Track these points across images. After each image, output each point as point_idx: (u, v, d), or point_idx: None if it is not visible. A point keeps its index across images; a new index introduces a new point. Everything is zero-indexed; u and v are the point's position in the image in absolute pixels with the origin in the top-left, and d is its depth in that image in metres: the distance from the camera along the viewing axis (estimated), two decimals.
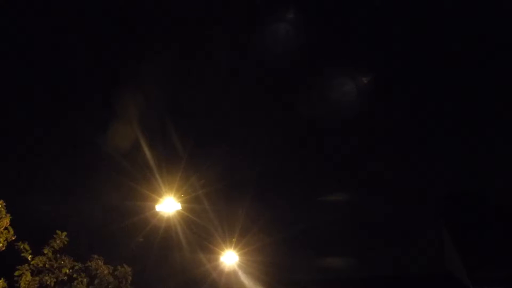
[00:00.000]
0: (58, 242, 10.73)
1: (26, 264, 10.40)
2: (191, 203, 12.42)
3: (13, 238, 10.06)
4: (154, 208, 11.52)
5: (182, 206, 11.90)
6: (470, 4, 15.21)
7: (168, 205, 11.68)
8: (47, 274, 10.51)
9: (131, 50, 15.07)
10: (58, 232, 10.78)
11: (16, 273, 10.26)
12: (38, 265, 10.47)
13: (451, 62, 17.39)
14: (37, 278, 10.43)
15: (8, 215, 9.86)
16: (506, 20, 15.12)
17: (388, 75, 17.21)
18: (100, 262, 11.11)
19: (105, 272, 11.07)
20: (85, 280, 10.86)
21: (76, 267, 10.86)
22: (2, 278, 10.05)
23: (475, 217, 17.79)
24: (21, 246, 10.37)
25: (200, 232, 13.52)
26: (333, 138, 18.65)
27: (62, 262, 10.62)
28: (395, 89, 18.13)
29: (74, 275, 10.84)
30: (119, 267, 11.38)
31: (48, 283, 10.50)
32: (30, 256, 10.45)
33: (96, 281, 11.02)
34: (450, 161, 18.91)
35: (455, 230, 17.81)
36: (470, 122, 18.86)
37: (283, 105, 17.64)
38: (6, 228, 9.80)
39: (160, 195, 11.59)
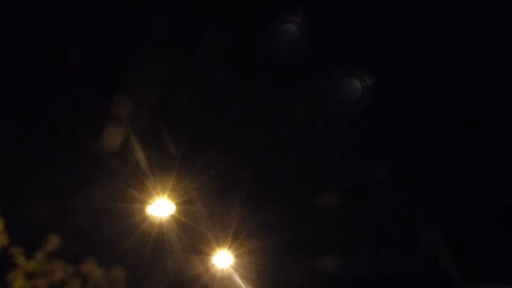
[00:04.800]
0: (50, 246, 10.74)
1: (19, 269, 10.42)
2: (184, 205, 12.41)
3: (5, 243, 10.09)
4: (146, 210, 11.53)
5: (174, 208, 11.89)
6: (478, 4, 15.19)
7: (160, 207, 11.68)
8: (39, 278, 10.52)
9: (124, 49, 14.98)
10: (50, 235, 10.80)
11: (9, 278, 10.28)
12: (30, 269, 10.48)
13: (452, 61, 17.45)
14: (30, 282, 10.44)
15: (0, 219, 9.89)
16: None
17: (385, 78, 17.24)
18: (92, 266, 11.14)
19: (98, 275, 11.10)
20: (77, 283, 10.89)
21: (69, 271, 10.88)
22: None
23: (467, 217, 17.85)
24: (13, 251, 10.39)
25: (192, 235, 13.52)
26: (327, 139, 18.69)
27: (55, 266, 10.64)
28: (391, 91, 18.18)
29: (67, 279, 10.86)
30: (111, 271, 11.41)
31: (40, 287, 10.51)
32: (22, 260, 10.47)
33: (88, 285, 11.04)
34: (442, 160, 18.97)
35: (447, 230, 17.88)
36: (464, 121, 18.95)
37: (278, 105, 17.65)
38: None
39: (152, 198, 11.58)
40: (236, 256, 14.82)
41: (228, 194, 14.95)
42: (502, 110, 17.52)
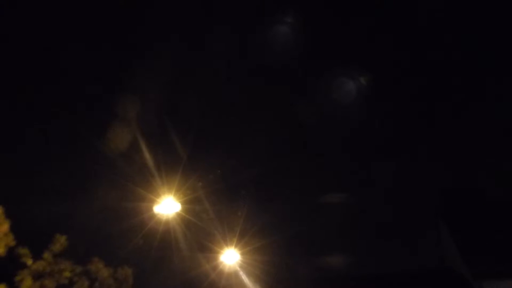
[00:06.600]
0: (57, 246, 10.76)
1: (27, 269, 10.42)
2: (190, 204, 12.40)
3: (13, 244, 10.09)
4: (152, 209, 11.52)
5: (181, 207, 11.87)
6: (472, 5, 15.24)
7: (167, 206, 11.67)
8: (47, 278, 10.53)
9: (130, 52, 15.05)
10: (58, 236, 10.81)
11: (17, 278, 10.28)
12: (38, 269, 10.49)
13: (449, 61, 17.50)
14: (38, 283, 10.45)
15: (7, 220, 9.89)
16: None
17: (384, 75, 17.29)
18: (100, 265, 11.15)
19: (105, 274, 11.12)
20: (85, 283, 10.90)
21: (77, 271, 10.89)
22: (3, 284, 10.07)
23: (473, 212, 17.82)
24: (21, 251, 10.40)
25: (199, 233, 13.54)
26: (330, 139, 18.71)
27: (62, 266, 10.65)
28: (391, 88, 18.21)
29: (75, 279, 10.87)
30: (119, 270, 11.42)
31: (49, 287, 10.52)
32: (30, 260, 10.48)
33: (96, 284, 11.06)
34: (447, 156, 19.00)
35: (454, 225, 17.85)
36: (468, 117, 18.97)
37: (282, 106, 17.67)
38: (5, 234, 9.84)
39: (159, 196, 11.57)
40: (242, 254, 14.84)
41: (234, 193, 15.00)
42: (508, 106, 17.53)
